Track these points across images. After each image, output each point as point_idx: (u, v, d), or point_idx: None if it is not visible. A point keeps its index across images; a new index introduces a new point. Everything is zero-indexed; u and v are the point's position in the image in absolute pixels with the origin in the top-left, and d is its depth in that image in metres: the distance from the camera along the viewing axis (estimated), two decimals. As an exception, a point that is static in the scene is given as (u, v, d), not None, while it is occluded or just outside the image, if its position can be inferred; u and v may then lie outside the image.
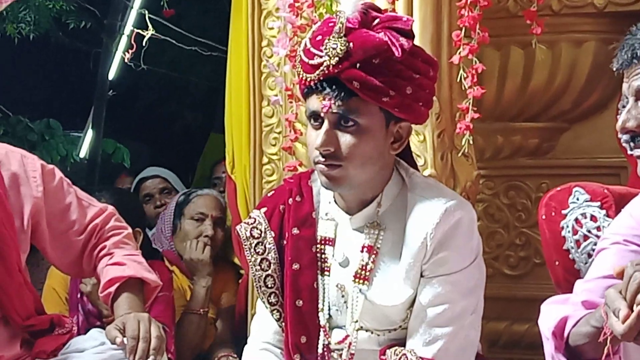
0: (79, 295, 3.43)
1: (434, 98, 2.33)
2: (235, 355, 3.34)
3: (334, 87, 2.12)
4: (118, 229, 2.67)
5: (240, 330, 3.53)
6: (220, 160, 4.16)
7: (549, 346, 1.97)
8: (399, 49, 2.11)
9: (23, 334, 2.53)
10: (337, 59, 2.10)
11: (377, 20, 2.17)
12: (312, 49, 2.14)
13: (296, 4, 2.78)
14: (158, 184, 4.54)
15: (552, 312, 1.99)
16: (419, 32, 2.65)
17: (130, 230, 2.72)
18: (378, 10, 2.24)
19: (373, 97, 2.13)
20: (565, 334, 1.95)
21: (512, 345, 3.19)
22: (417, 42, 2.52)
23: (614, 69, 2.02)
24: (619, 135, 2.77)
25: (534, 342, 2.39)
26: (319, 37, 2.14)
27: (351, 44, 2.10)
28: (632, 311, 1.64)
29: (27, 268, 2.62)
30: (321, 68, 2.11)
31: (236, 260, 3.71)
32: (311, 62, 2.13)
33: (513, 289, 3.25)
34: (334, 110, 2.13)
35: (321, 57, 2.12)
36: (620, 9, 3.16)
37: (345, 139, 2.15)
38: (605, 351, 1.74)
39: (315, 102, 2.15)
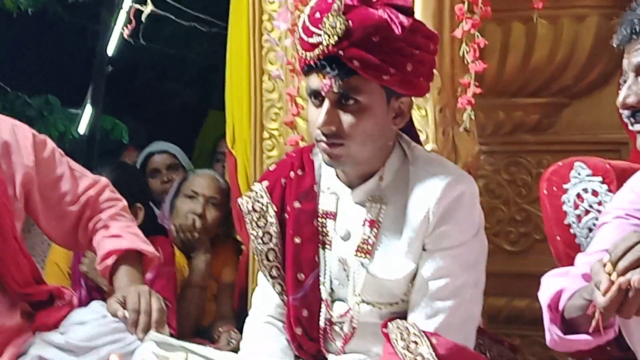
0: (81, 271, 3.45)
1: (436, 73, 2.34)
2: (237, 331, 3.35)
3: (333, 65, 2.11)
4: (113, 200, 2.67)
5: (241, 305, 3.55)
6: (224, 135, 4.17)
7: (545, 318, 1.99)
8: (399, 27, 2.11)
9: (22, 304, 2.54)
10: (336, 37, 2.09)
11: (376, -2, 2.18)
12: (310, 27, 2.14)
13: (297, -22, 2.78)
14: (165, 159, 4.54)
15: (550, 285, 2.01)
16: (421, 6, 2.66)
17: (124, 202, 2.72)
18: (377, -15, 2.25)
19: (373, 75, 2.13)
20: (561, 307, 1.96)
21: (513, 321, 3.21)
22: (419, 15, 2.53)
23: (614, 45, 2.02)
24: (620, 111, 2.79)
25: (534, 318, 2.41)
26: (318, 14, 2.13)
27: (350, 22, 2.10)
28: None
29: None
30: (320, 47, 2.11)
31: (237, 237, 3.72)
32: (310, 40, 2.13)
33: (513, 264, 3.27)
34: (335, 90, 2.13)
35: (320, 35, 2.11)
36: (623, -15, 3.17)
37: (347, 118, 2.15)
38: (593, 324, 1.76)
39: (315, 81, 2.15)
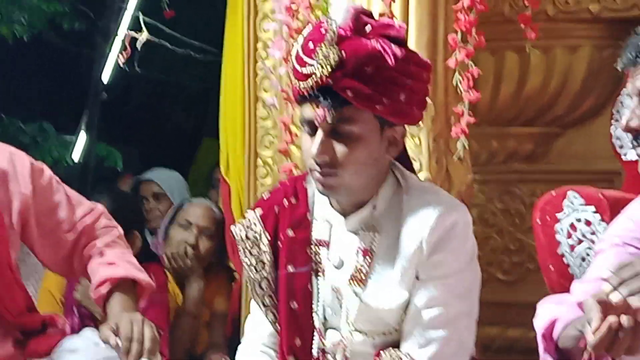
0: (74, 298, 3.44)
1: (429, 102, 2.34)
2: (229, 359, 3.35)
3: (327, 95, 2.11)
4: (108, 228, 2.66)
5: (233, 333, 3.55)
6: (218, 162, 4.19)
7: (540, 348, 1.99)
8: (392, 57, 2.11)
9: (14, 333, 2.53)
10: (329, 68, 2.10)
11: (369, 27, 2.17)
12: (303, 57, 2.14)
13: (292, 6, 2.79)
14: (152, 188, 4.55)
15: (545, 314, 2.00)
16: (414, 35, 2.67)
17: (120, 229, 2.72)
18: (370, 15, 2.24)
19: (367, 105, 2.13)
20: (555, 336, 1.96)
21: (506, 350, 3.20)
22: (412, 44, 2.54)
23: (619, 69, 2.03)
24: (615, 138, 2.80)
25: (528, 347, 2.40)
26: (311, 45, 2.13)
27: (343, 53, 2.10)
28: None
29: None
30: (314, 77, 2.11)
31: (231, 264, 3.72)
32: (303, 70, 2.13)
33: (507, 294, 3.26)
34: (329, 120, 2.13)
35: (313, 66, 2.12)
36: (615, 15, 3.18)
37: (340, 148, 2.15)
38: (585, 356, 1.76)
39: (309, 111, 2.16)
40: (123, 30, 7.19)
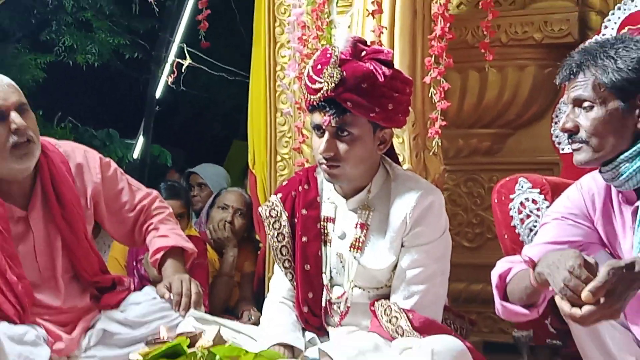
0: (134, 263, 3.44)
1: (411, 110, 2.35)
2: (256, 309, 3.35)
3: (332, 106, 2.13)
4: (161, 209, 2.67)
5: (259, 290, 3.55)
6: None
7: (493, 285, 1.99)
8: (382, 76, 2.13)
9: (91, 290, 2.53)
10: (333, 84, 2.12)
11: (364, 52, 2.18)
12: (313, 76, 2.15)
13: (303, 37, 2.79)
14: (197, 179, 4.54)
15: (501, 266, 2.01)
16: (399, 58, 2.66)
17: (170, 209, 2.72)
18: (364, 43, 2.26)
19: (363, 113, 2.15)
20: (508, 279, 1.96)
21: (470, 301, 3.21)
22: (397, 65, 2.53)
23: (557, 83, 2.02)
24: (555, 137, 2.80)
25: (486, 299, 2.40)
26: (319, 66, 2.15)
27: (344, 73, 2.12)
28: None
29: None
30: (321, 92, 2.13)
31: (257, 237, 3.72)
32: (313, 86, 2.15)
33: (471, 257, 3.25)
34: (333, 124, 2.15)
35: (321, 83, 2.13)
36: (554, 41, 3.16)
37: (342, 146, 2.16)
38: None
39: (318, 117, 2.17)
40: (171, 57, 7.18)
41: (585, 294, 1.64)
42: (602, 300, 1.63)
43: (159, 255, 2.54)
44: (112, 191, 2.59)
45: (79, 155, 2.56)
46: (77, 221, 2.47)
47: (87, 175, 2.54)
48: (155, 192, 2.70)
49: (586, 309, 1.65)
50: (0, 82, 2.37)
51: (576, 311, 1.66)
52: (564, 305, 1.69)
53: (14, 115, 2.33)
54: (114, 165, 2.63)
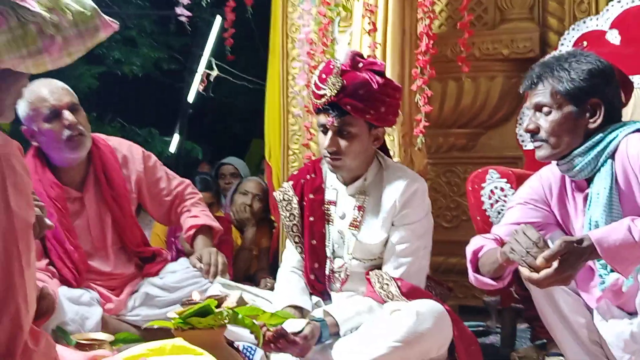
0: (173, 239, 3.45)
1: (400, 112, 2.34)
2: (271, 277, 3.35)
3: (334, 109, 2.13)
4: (193, 194, 2.66)
5: (274, 262, 3.55)
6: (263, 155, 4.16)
7: (467, 260, 1.99)
8: (376, 84, 2.12)
9: (135, 259, 2.54)
10: (335, 91, 2.11)
11: (361, 64, 2.17)
12: (319, 84, 2.14)
13: (311, 52, 2.78)
14: (230, 169, 4.53)
15: (474, 242, 2.00)
16: (390, 69, 2.64)
17: (200, 195, 2.71)
18: (361, 56, 2.25)
19: (360, 115, 2.13)
20: (480, 255, 1.95)
21: (448, 271, 3.20)
22: (389, 74, 2.52)
23: (521, 91, 2.01)
24: (519, 136, 2.78)
25: (461, 270, 2.38)
26: (324, 75, 2.14)
27: (344, 81, 2.11)
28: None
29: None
30: (325, 97, 2.12)
31: (272, 217, 3.72)
32: (319, 92, 2.14)
33: (449, 235, 3.24)
34: (335, 124, 2.14)
35: (325, 89, 2.12)
36: (519, 56, 3.14)
37: (343, 142, 2.15)
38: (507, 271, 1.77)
39: (323, 118, 2.16)
40: (201, 69, 7.18)
41: (539, 259, 1.65)
42: (555, 265, 1.64)
43: (191, 232, 2.55)
44: (152, 179, 2.59)
45: (124, 149, 2.56)
46: (124, 201, 2.48)
47: (131, 165, 2.54)
48: (187, 181, 2.70)
49: (542, 273, 1.65)
50: (55, 85, 2.38)
51: (534, 275, 1.66)
52: (524, 271, 1.70)
53: (66, 113, 2.33)
54: (154, 157, 2.63)
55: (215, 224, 2.60)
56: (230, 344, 2.01)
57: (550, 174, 2.04)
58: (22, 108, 2.35)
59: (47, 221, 1.50)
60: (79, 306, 2.25)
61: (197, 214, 2.59)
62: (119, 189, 2.46)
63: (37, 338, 1.08)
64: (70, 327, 2.19)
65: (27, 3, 1.07)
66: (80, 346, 1.82)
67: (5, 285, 1.02)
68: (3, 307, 1.03)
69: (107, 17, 1.19)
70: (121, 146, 2.56)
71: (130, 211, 2.51)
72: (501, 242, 1.87)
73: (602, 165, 1.87)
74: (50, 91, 2.34)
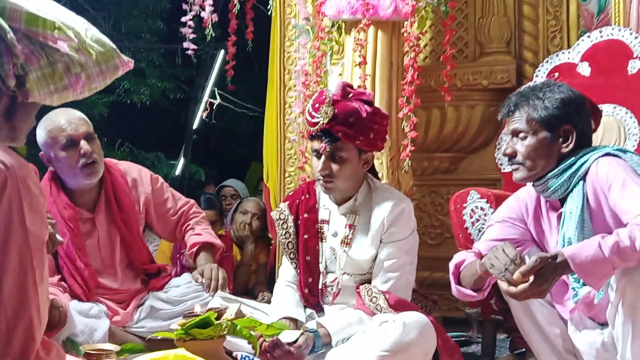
0: (178, 255, 3.43)
1: (387, 137, 2.34)
2: (268, 291, 3.34)
3: (327, 135, 2.13)
4: (197, 213, 2.65)
5: (271, 277, 3.53)
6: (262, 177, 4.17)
7: (450, 273, 1.99)
8: (365, 112, 2.12)
9: (142, 275, 2.52)
10: (328, 119, 2.11)
11: (351, 94, 2.18)
12: (312, 112, 2.15)
13: (306, 82, 2.80)
14: (231, 191, 4.52)
15: (457, 257, 2.00)
16: (378, 98, 2.65)
17: (204, 213, 2.71)
18: (351, 87, 2.25)
19: (350, 141, 2.14)
20: (461, 268, 1.96)
21: (432, 285, 3.18)
22: (377, 104, 2.53)
23: (499, 119, 2.02)
24: (498, 159, 2.79)
25: (445, 284, 2.37)
26: (317, 105, 2.14)
27: (336, 110, 2.11)
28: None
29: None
30: (318, 125, 2.12)
31: (269, 235, 3.71)
32: (312, 120, 2.14)
33: (433, 252, 3.22)
34: (328, 150, 2.14)
35: (318, 118, 2.12)
36: (497, 86, 3.14)
37: (335, 166, 2.15)
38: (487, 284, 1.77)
39: (316, 144, 2.16)
40: (205, 98, 7.20)
41: (516, 275, 1.65)
42: (531, 279, 1.64)
43: (194, 249, 2.54)
44: (160, 199, 2.59)
45: (134, 172, 2.56)
46: (133, 222, 2.47)
47: (140, 187, 2.54)
48: (192, 201, 2.69)
49: (520, 287, 1.66)
50: (73, 115, 2.38)
51: (511, 289, 1.67)
52: (503, 285, 1.70)
53: (82, 143, 2.33)
54: (161, 179, 2.63)
55: (217, 241, 2.59)
56: (229, 353, 2.00)
57: (526, 194, 2.05)
58: (40, 135, 2.36)
59: (58, 237, 1.50)
60: (88, 319, 2.24)
61: (200, 232, 2.58)
62: (128, 211, 2.46)
63: (49, 349, 1.08)
64: (80, 338, 2.17)
65: (58, 45, 1.09)
66: (88, 356, 1.80)
67: (19, 299, 1.02)
68: (17, 319, 1.02)
69: (124, 56, 1.22)
70: (131, 170, 2.56)
71: (138, 232, 2.50)
72: (480, 256, 1.87)
73: (574, 186, 1.89)
74: (68, 121, 2.34)
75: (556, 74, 2.62)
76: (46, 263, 1.07)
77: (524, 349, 2.24)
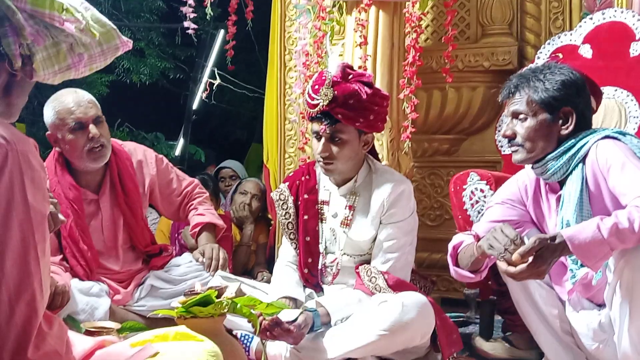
0: (176, 235, 3.44)
1: (388, 119, 2.34)
2: (268, 271, 3.36)
3: (326, 117, 2.13)
4: (200, 193, 2.67)
5: (270, 257, 3.55)
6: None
7: (448, 254, 2.00)
8: (365, 94, 2.12)
9: (143, 256, 2.54)
10: (327, 101, 2.11)
11: (351, 76, 2.17)
12: (312, 94, 2.14)
13: (307, 62, 2.79)
14: (229, 172, 4.53)
15: (458, 237, 2.02)
16: (379, 79, 2.64)
17: (207, 194, 2.72)
18: (351, 68, 2.24)
19: (350, 122, 2.13)
20: (459, 250, 1.97)
21: (432, 266, 3.20)
22: (378, 85, 2.53)
23: (499, 100, 2.02)
24: (498, 141, 2.80)
25: (444, 265, 2.39)
26: (317, 87, 2.14)
27: (335, 92, 2.11)
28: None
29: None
30: (319, 107, 2.12)
31: (269, 216, 3.72)
32: (312, 102, 2.14)
33: (432, 233, 3.24)
34: (328, 132, 2.14)
35: (318, 99, 2.12)
36: (498, 68, 3.14)
37: (335, 148, 2.16)
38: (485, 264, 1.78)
39: (316, 126, 2.16)
40: (205, 78, 7.18)
41: (516, 255, 1.66)
42: (530, 260, 1.65)
43: (197, 229, 2.56)
44: (164, 180, 2.60)
45: (139, 153, 2.57)
46: (136, 206, 2.48)
47: (145, 169, 2.55)
48: (196, 181, 2.71)
49: (518, 267, 1.67)
50: (82, 98, 2.38)
51: (510, 269, 1.68)
52: (502, 265, 1.71)
53: (91, 127, 2.34)
54: (166, 160, 2.64)
55: (219, 221, 2.61)
56: (229, 331, 2.02)
57: (525, 176, 2.06)
58: (48, 115, 2.35)
59: (60, 216, 1.51)
60: (89, 297, 2.26)
61: (202, 212, 2.60)
62: (132, 195, 2.47)
63: (51, 322, 1.09)
64: (81, 316, 2.19)
65: (65, 26, 1.09)
66: (89, 333, 1.82)
67: (22, 272, 1.03)
68: (20, 293, 1.03)
69: (123, 37, 1.22)
70: (136, 151, 2.56)
71: (142, 214, 2.51)
72: (478, 238, 1.89)
73: (574, 169, 1.89)
74: (77, 103, 2.33)
75: (559, 55, 2.61)
76: (47, 237, 1.08)
77: (515, 332, 2.26)
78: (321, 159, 2.17)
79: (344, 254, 2.23)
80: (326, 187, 2.29)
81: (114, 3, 6.85)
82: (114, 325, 1.92)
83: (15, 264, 1.02)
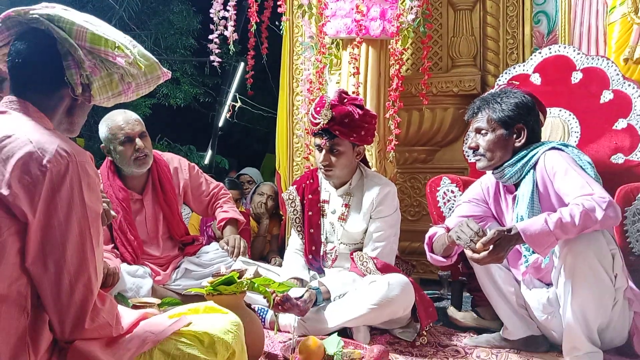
0: (205, 227, 3.44)
1: (376, 134, 2.34)
2: (280, 257, 3.35)
3: (326, 133, 2.14)
4: (224, 194, 2.67)
5: (281, 246, 3.55)
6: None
7: (425, 246, 2.00)
8: (357, 114, 2.13)
9: (179, 244, 2.53)
10: (327, 120, 2.11)
11: (346, 99, 2.18)
12: (314, 114, 2.15)
13: (310, 89, 2.79)
14: (247, 177, 4.53)
15: (431, 231, 2.01)
16: (369, 102, 2.65)
17: (230, 194, 2.72)
18: (346, 93, 2.25)
19: (346, 137, 2.14)
20: (434, 240, 1.97)
21: (412, 253, 3.20)
22: (368, 106, 2.53)
23: (466, 119, 2.02)
24: (465, 152, 2.79)
25: (422, 252, 2.38)
26: (318, 109, 2.15)
27: (334, 113, 2.12)
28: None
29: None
30: (320, 125, 2.13)
31: (280, 212, 3.72)
32: (314, 121, 2.15)
33: (412, 226, 3.24)
34: (327, 145, 2.15)
35: (319, 119, 2.13)
36: (465, 92, 3.14)
37: (333, 158, 2.16)
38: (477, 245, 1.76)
39: (317, 140, 2.17)
40: (228, 101, 7.20)
41: (479, 244, 1.66)
42: (491, 248, 1.65)
43: (222, 223, 2.55)
44: (195, 184, 2.60)
45: (175, 162, 2.57)
46: (173, 204, 2.48)
47: (180, 174, 2.55)
48: (221, 184, 2.70)
49: (482, 254, 1.67)
50: (130, 117, 2.40)
51: (475, 255, 1.68)
52: (468, 252, 1.71)
53: (137, 140, 2.35)
54: (197, 167, 2.64)
55: (240, 217, 2.60)
56: (248, 305, 2.02)
57: (487, 180, 2.06)
58: (102, 131, 2.38)
59: (112, 213, 1.51)
60: (135, 278, 2.26)
61: (227, 209, 2.60)
62: (170, 195, 2.47)
63: (104, 299, 1.10)
64: (129, 294, 2.19)
65: (117, 61, 1.11)
66: (135, 307, 1.82)
67: (80, 260, 1.04)
68: (78, 276, 1.04)
69: (163, 68, 1.24)
70: (173, 160, 2.57)
71: (178, 210, 2.52)
72: (448, 230, 1.88)
73: (526, 174, 1.89)
74: (126, 121, 2.36)
75: (516, 82, 2.61)
76: (101, 231, 1.08)
77: (481, 306, 2.25)
78: (322, 167, 2.18)
79: (341, 243, 2.23)
80: (326, 189, 2.30)
81: (155, 41, 6.88)
82: (155, 300, 1.92)
83: (75, 253, 1.03)
